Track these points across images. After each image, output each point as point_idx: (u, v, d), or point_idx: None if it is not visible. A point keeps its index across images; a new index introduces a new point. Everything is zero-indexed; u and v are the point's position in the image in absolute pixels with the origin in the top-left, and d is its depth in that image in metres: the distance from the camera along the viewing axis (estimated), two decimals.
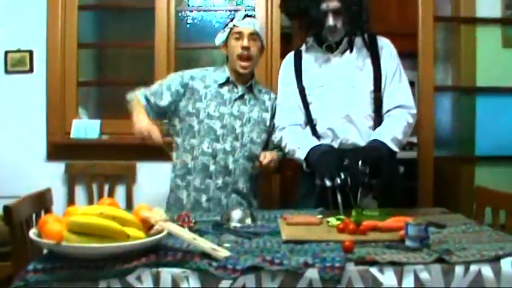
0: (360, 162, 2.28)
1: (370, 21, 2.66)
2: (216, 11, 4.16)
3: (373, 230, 2.02)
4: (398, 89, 2.63)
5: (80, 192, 3.87)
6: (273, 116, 2.91)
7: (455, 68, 4.13)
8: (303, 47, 2.75)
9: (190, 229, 2.07)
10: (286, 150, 2.67)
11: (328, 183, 2.27)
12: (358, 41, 2.63)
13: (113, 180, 3.81)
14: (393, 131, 2.51)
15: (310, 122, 2.67)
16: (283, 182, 3.90)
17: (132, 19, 4.34)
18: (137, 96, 2.94)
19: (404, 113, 2.59)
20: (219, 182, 2.86)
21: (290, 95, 2.70)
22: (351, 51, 2.61)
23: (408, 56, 4.41)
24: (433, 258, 1.71)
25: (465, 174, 4.00)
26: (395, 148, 2.49)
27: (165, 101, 2.90)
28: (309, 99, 2.64)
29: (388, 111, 2.61)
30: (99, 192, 3.81)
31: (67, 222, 1.70)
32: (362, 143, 2.55)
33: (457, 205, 3.77)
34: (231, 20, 2.95)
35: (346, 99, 2.58)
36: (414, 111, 2.64)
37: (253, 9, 3.93)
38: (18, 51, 3.89)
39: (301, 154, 2.53)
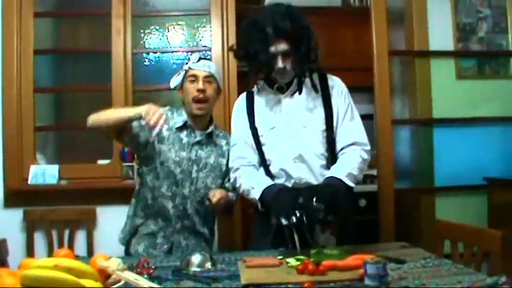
0: (314, 199, 2.30)
1: (324, 58, 2.68)
2: (172, 52, 4.19)
3: (333, 269, 2.01)
4: (351, 127, 2.65)
5: (39, 239, 3.78)
6: (228, 162, 2.90)
7: (412, 100, 4.21)
8: (255, 89, 2.76)
9: (150, 276, 2.03)
10: (241, 190, 2.66)
11: (284, 221, 2.27)
12: (308, 80, 2.64)
13: (73, 225, 3.75)
14: (348, 168, 2.53)
15: (263, 162, 2.67)
16: (245, 221, 3.88)
17: (89, 62, 4.34)
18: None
19: (359, 150, 2.61)
20: (178, 225, 2.84)
21: (243, 136, 2.70)
22: (300, 92, 2.61)
23: (365, 89, 4.50)
24: None
25: (426, 205, 4.05)
26: (351, 184, 2.50)
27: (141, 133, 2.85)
28: (262, 140, 2.65)
29: (342, 149, 2.62)
30: (59, 238, 3.74)
31: (21, 276, 1.65)
32: (315, 182, 2.57)
33: (419, 236, 3.82)
34: (186, 63, 2.93)
35: (298, 139, 2.59)
36: (368, 147, 2.66)
37: (210, 50, 3.96)
38: None
39: (255, 194, 2.53)
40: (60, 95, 4.52)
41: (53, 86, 4.46)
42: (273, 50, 2.49)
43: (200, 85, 2.82)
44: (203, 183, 2.87)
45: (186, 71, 2.88)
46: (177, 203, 2.83)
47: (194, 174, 2.85)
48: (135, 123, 2.78)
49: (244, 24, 2.61)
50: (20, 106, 3.88)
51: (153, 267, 2.18)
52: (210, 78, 2.87)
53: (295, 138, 2.59)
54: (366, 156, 2.62)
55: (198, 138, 2.88)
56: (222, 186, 2.93)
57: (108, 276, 1.83)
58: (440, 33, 4.14)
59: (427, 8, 4.12)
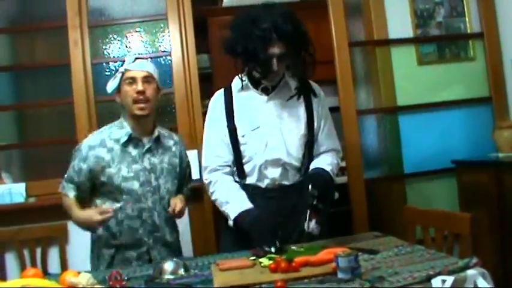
0: (310, 185, 2.35)
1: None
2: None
3: (305, 265, 2.01)
4: (329, 135, 2.73)
5: (10, 260, 3.71)
6: (181, 160, 2.90)
7: (375, 89, 4.23)
8: (235, 86, 2.69)
9: None
10: (213, 198, 2.65)
11: (266, 249, 2.29)
12: (292, 84, 2.63)
13: (45, 243, 3.68)
14: (329, 165, 2.62)
15: (238, 161, 2.65)
16: (218, 230, 3.87)
17: (49, 76, 4.28)
18: (64, 192, 2.83)
19: (335, 155, 2.73)
20: (150, 241, 2.76)
21: (219, 134, 2.66)
22: (299, 97, 2.62)
23: (329, 82, 4.51)
24: None
25: (396, 193, 4.08)
26: (334, 177, 2.61)
27: (82, 178, 2.77)
28: (241, 140, 2.62)
29: (320, 153, 2.69)
30: (31, 257, 3.67)
31: None
32: (288, 183, 2.62)
33: (392, 224, 3.83)
34: (122, 66, 2.79)
35: (281, 142, 2.59)
36: (341, 154, 2.81)
37: (170, 54, 3.93)
38: None
39: (230, 212, 2.54)
40: (22, 111, 4.45)
41: (14, 103, 4.38)
42: (270, 51, 2.43)
43: (139, 86, 2.69)
44: (165, 189, 2.80)
45: (123, 73, 2.74)
46: (144, 218, 2.74)
47: (154, 183, 2.77)
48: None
49: (239, 19, 2.54)
50: None
51: (126, 278, 2.15)
52: (148, 78, 2.74)
53: (278, 141, 2.59)
54: (339, 161, 2.75)
55: (147, 146, 2.79)
56: (180, 189, 2.91)
57: None
58: (399, 20, 4.16)
59: None
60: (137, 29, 4.14)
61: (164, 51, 4.05)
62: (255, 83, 2.65)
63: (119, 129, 2.79)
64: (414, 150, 4.08)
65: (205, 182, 2.71)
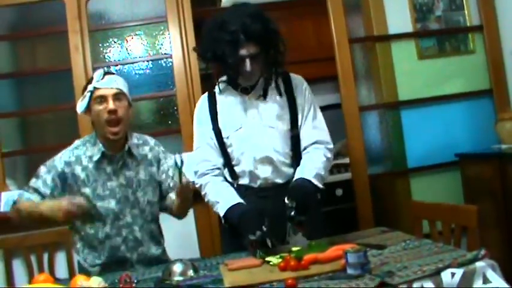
0: (286, 197, 2.32)
1: (287, 52, 2.64)
2: (133, 62, 4.17)
3: (314, 263, 2.02)
4: (314, 126, 2.64)
5: (17, 266, 3.72)
6: (158, 165, 2.80)
7: (377, 85, 4.24)
8: (216, 90, 2.70)
9: None
10: (206, 199, 2.64)
11: (251, 237, 2.27)
12: (273, 81, 2.62)
13: (51, 248, 3.68)
14: (315, 168, 2.53)
15: (228, 164, 2.65)
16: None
17: (51, 82, 4.28)
18: (22, 198, 2.68)
19: (322, 149, 2.61)
20: (134, 257, 2.70)
21: (206, 138, 2.65)
22: (266, 93, 2.61)
23: (330, 79, 4.53)
24: (376, 283, 1.72)
25: (401, 188, 4.09)
26: (319, 184, 2.51)
27: (49, 191, 2.66)
28: (227, 142, 2.62)
29: (305, 148, 2.63)
30: (38, 263, 3.68)
31: None
32: (281, 181, 2.59)
33: (397, 219, 3.85)
34: (89, 82, 2.65)
35: (265, 140, 2.57)
36: (331, 146, 2.66)
37: (171, 56, 3.95)
38: None
39: (220, 209, 2.53)
40: (25, 118, 4.46)
41: (16, 109, 4.39)
42: (241, 53, 2.42)
43: (111, 105, 2.58)
44: (145, 202, 2.73)
45: (92, 92, 2.61)
46: (125, 235, 2.69)
47: (132, 197, 2.70)
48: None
49: (209, 24, 2.52)
50: None
51: (135, 281, 2.16)
52: (119, 95, 2.62)
53: (262, 139, 2.57)
54: (329, 155, 2.63)
55: (120, 162, 2.71)
56: (163, 195, 2.82)
57: None
58: (398, 15, 4.17)
59: None
60: (137, 32, 4.15)
61: (165, 53, 4.06)
62: (234, 85, 2.63)
63: (92, 146, 2.71)
64: (417, 145, 4.10)
65: (197, 186, 2.70)
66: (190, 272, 2.20)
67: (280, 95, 2.62)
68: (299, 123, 2.63)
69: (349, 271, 1.85)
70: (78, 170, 2.67)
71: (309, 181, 2.47)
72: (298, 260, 2.00)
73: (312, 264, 2.01)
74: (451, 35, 4.24)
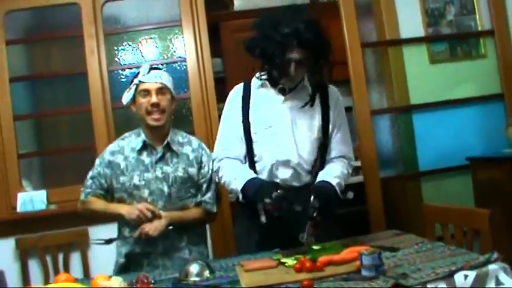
0: (312, 196, 2.35)
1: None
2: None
3: (329, 264, 2.05)
4: (343, 140, 2.69)
5: (33, 266, 3.78)
6: (200, 167, 2.88)
7: (389, 89, 4.26)
8: (254, 83, 2.70)
9: None
10: (223, 181, 2.66)
11: (266, 200, 2.31)
12: (309, 88, 2.63)
13: (66, 249, 3.74)
14: (338, 177, 2.57)
15: (250, 158, 2.66)
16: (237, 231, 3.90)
17: (65, 85, 4.33)
18: (88, 199, 2.89)
19: (346, 163, 2.67)
20: (160, 247, 2.79)
21: (233, 129, 2.67)
22: (312, 105, 2.61)
23: (341, 82, 4.54)
24: (390, 284, 1.75)
25: (412, 191, 4.12)
26: (339, 193, 2.54)
27: (102, 180, 2.86)
28: (254, 137, 2.63)
29: (331, 159, 2.67)
30: (53, 263, 3.73)
31: None
32: (298, 185, 2.61)
33: (408, 222, 3.87)
34: (136, 76, 2.82)
35: (292, 144, 2.59)
36: (353, 162, 2.75)
37: (185, 60, 3.99)
38: None
39: (237, 184, 2.54)
40: (39, 120, 4.51)
41: (31, 112, 4.45)
42: (289, 56, 2.44)
43: (154, 99, 2.75)
44: (177, 197, 2.82)
45: (137, 85, 2.79)
46: None
47: (166, 191, 2.80)
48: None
49: (263, 21, 2.53)
50: (1, 135, 3.90)
51: (152, 281, 2.18)
52: (162, 89, 2.79)
53: (289, 143, 2.59)
54: (350, 170, 2.71)
55: (159, 155, 2.82)
56: (196, 199, 2.90)
57: None
58: (410, 20, 4.19)
59: None
60: (152, 36, 4.18)
61: (179, 57, 4.10)
62: (274, 83, 2.64)
63: (137, 137, 2.86)
64: (428, 148, 4.11)
65: (215, 171, 2.75)
66: (207, 273, 2.23)
67: (316, 101, 2.63)
68: (329, 134, 2.66)
69: (364, 272, 1.88)
70: (120, 159, 2.83)
71: (333, 186, 2.50)
72: (313, 262, 2.03)
73: (327, 265, 2.04)
74: (463, 40, 4.26)
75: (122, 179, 2.81)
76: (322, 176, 2.57)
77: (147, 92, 2.76)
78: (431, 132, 4.13)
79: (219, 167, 2.68)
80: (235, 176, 2.59)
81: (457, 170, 4.11)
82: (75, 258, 3.77)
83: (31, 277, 3.75)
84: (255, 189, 2.45)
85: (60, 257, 3.76)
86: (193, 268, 2.25)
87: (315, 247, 2.30)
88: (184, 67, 4.04)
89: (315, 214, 2.32)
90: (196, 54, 3.96)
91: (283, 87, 2.61)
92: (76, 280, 2.13)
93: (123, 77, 4.14)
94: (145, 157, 2.82)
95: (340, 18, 4.10)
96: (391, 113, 4.30)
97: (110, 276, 1.94)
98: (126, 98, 2.83)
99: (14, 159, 3.92)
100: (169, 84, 2.84)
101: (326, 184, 2.51)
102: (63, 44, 4.36)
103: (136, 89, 2.79)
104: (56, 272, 3.73)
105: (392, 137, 4.37)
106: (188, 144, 2.92)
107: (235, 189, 2.58)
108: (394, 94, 4.17)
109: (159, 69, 2.94)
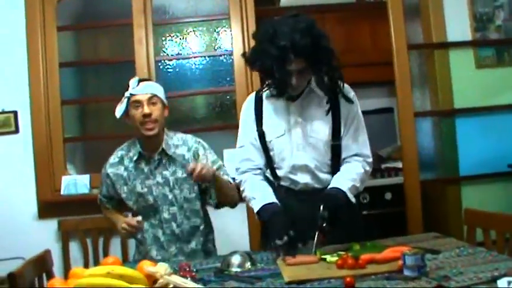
0: (321, 207, 2.34)
1: (342, 54, 2.50)
2: (194, 57, 4.26)
3: (371, 262, 2.06)
4: (355, 139, 2.63)
5: (74, 248, 3.88)
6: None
7: (433, 92, 4.25)
8: (265, 92, 2.69)
9: (193, 279, 2.08)
10: (244, 195, 2.68)
11: (278, 242, 2.30)
12: (318, 90, 2.59)
13: (107, 233, 3.82)
14: (352, 180, 2.53)
15: (270, 166, 2.68)
16: None
17: (111, 72, 4.40)
18: (102, 204, 3.09)
19: (361, 161, 2.61)
20: (173, 249, 2.87)
21: (251, 138, 2.68)
22: (328, 112, 2.58)
23: (384, 83, 4.54)
24: (433, 286, 1.76)
25: (451, 195, 4.10)
26: (352, 198, 2.50)
27: (111, 192, 2.99)
28: (269, 145, 2.64)
29: (344, 159, 2.62)
30: (93, 247, 3.81)
31: (75, 285, 1.72)
32: (321, 186, 2.59)
33: (446, 226, 3.85)
34: (126, 90, 2.86)
35: (304, 148, 2.59)
36: (370, 159, 2.66)
37: (231, 53, 4.05)
38: (3, 112, 3.96)
39: (254, 206, 2.57)
40: (85, 106, 4.59)
41: (77, 97, 4.53)
42: (289, 69, 2.40)
43: (146, 110, 2.79)
44: (182, 199, 2.88)
45: (129, 98, 2.83)
46: (164, 228, 2.88)
47: (170, 195, 2.87)
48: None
49: (260, 33, 2.49)
50: (48, 119, 4.00)
51: (194, 270, 2.23)
52: (153, 99, 2.83)
53: (303, 148, 2.59)
54: (368, 167, 2.63)
55: (156, 162, 2.88)
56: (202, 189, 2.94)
57: (155, 280, 1.90)
58: (457, 23, 4.17)
59: (442, 0, 4.15)
60: (199, 28, 4.23)
61: (226, 50, 4.14)
62: (278, 93, 2.60)
63: (133, 148, 2.92)
64: (470, 153, 4.09)
65: (237, 182, 2.76)
66: (248, 265, 2.27)
67: (326, 103, 2.59)
68: (342, 133, 2.61)
69: (406, 272, 1.89)
70: (121, 169, 2.93)
71: (344, 193, 2.47)
72: (355, 259, 2.05)
73: (369, 263, 2.05)
74: (511, 46, 4.21)
75: (125, 188, 2.90)
76: (335, 180, 2.54)
77: (138, 103, 2.80)
78: (473, 137, 4.10)
79: (241, 181, 2.70)
80: (253, 195, 2.60)
81: (498, 177, 4.07)
82: (115, 244, 3.85)
83: (71, 259, 3.83)
84: (268, 219, 2.48)
85: (101, 241, 3.83)
86: (235, 259, 2.29)
87: (356, 246, 2.32)
88: (230, 60, 4.09)
89: (324, 225, 2.32)
90: (243, 48, 3.99)
91: (290, 95, 2.59)
92: (123, 264, 2.18)
93: (169, 67, 4.20)
94: (143, 166, 2.89)
95: (388, 19, 4.07)
96: (435, 116, 4.28)
97: (156, 262, 1.98)
98: (119, 111, 2.85)
99: (59, 142, 4.02)
100: (160, 94, 2.89)
101: (336, 192, 2.48)
102: (112, 32, 4.45)
103: (128, 101, 2.83)
104: (96, 254, 3.81)
105: (434, 140, 4.36)
106: (184, 145, 2.95)
107: (253, 208, 2.60)
108: (438, 97, 4.15)
109: (148, 80, 3.08)
